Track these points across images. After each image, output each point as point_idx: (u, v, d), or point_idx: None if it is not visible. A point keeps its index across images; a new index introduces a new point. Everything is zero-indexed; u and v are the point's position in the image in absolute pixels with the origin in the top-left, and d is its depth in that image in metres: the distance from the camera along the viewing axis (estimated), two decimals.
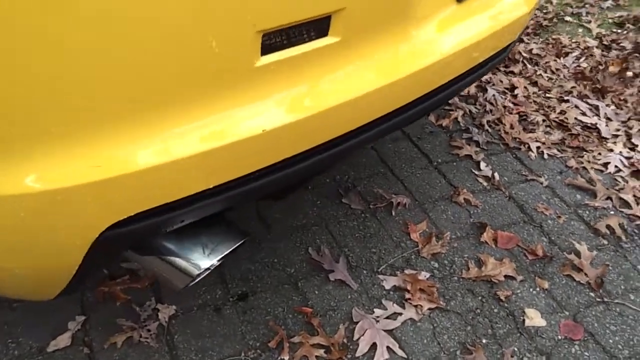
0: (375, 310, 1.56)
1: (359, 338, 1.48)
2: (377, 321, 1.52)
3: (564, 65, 2.97)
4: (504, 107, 2.54)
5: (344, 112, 0.98)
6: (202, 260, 0.98)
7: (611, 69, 2.90)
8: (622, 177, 2.20)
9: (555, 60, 2.98)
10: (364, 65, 1.00)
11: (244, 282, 1.60)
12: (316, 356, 1.42)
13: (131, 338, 1.42)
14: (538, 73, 2.86)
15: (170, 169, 0.81)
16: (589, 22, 3.51)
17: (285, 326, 1.50)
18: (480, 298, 1.63)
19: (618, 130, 2.47)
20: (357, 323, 1.51)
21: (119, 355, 1.39)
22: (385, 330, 1.50)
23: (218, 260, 1.00)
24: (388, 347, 1.46)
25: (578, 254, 1.80)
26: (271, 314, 1.53)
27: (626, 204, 2.05)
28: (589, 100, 2.65)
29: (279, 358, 1.42)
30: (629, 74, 2.90)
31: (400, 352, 1.46)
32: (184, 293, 1.55)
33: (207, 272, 1.04)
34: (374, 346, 1.46)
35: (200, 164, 0.84)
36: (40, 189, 0.75)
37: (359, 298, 1.59)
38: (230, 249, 1.03)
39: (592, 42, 3.23)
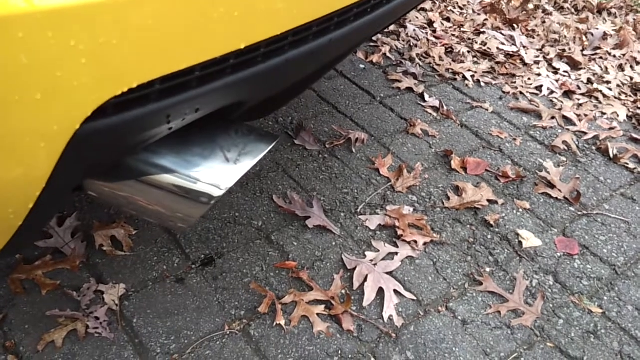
0: (366, 253, 1.33)
1: (360, 286, 1.24)
2: (375, 264, 1.29)
3: (468, 1, 2.92)
4: (428, 40, 2.41)
5: None
6: (227, 171, 0.66)
7: (514, 2, 2.91)
8: (556, 98, 2.17)
9: None
10: None
11: (205, 245, 1.29)
12: (317, 314, 1.17)
13: (75, 331, 1.06)
14: (448, 9, 2.78)
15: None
16: None
17: (270, 287, 1.22)
18: (469, 226, 1.47)
19: (537, 56, 2.47)
20: (352, 270, 1.28)
21: (63, 356, 1.02)
22: (386, 273, 1.28)
23: (247, 169, 0.69)
24: (395, 291, 1.24)
25: (547, 171, 1.72)
26: (249, 276, 1.24)
27: (570, 122, 2.02)
28: (503, 32, 2.62)
29: (275, 324, 1.14)
30: (530, 6, 2.93)
31: (408, 295, 1.25)
32: (131, 267, 1.20)
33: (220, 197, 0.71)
34: (379, 292, 1.24)
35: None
36: None
37: (345, 243, 1.35)
38: (266, 151, 0.73)
39: None
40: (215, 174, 0.67)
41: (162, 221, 0.75)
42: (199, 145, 0.68)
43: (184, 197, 0.67)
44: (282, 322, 1.14)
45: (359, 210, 1.46)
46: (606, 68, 2.44)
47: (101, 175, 0.69)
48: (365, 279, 1.25)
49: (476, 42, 2.48)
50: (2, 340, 1.04)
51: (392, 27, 2.50)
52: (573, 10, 2.99)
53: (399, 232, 1.38)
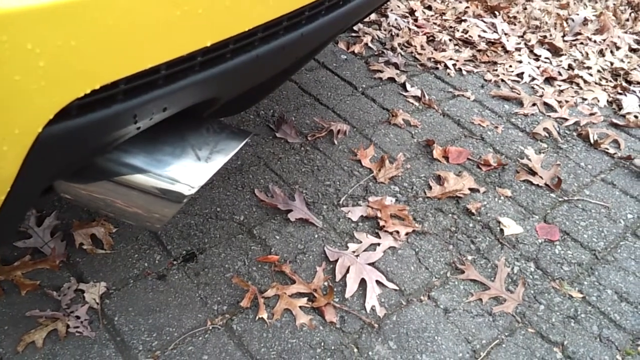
0: (349, 245, 1.33)
1: (342, 277, 1.25)
2: (357, 256, 1.30)
3: None
4: (409, 29, 2.41)
5: None
6: (198, 169, 0.66)
7: None
8: (537, 85, 2.18)
9: None
10: None
11: (187, 240, 1.28)
12: (300, 307, 1.17)
13: (55, 331, 1.05)
14: None
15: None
16: None
17: (252, 281, 1.22)
18: (451, 215, 1.48)
19: (519, 43, 2.47)
20: (335, 262, 1.28)
21: (44, 356, 1.02)
22: (368, 264, 1.28)
23: (219, 167, 0.69)
24: (377, 282, 1.25)
25: (528, 158, 1.73)
26: (231, 270, 1.24)
27: (551, 108, 2.03)
28: (484, 19, 2.62)
29: (257, 318, 1.14)
30: None
31: (390, 285, 1.26)
32: (111, 265, 1.20)
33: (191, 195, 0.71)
34: (362, 283, 1.24)
35: None
36: None
37: (327, 235, 1.36)
38: (237, 148, 0.73)
39: None
40: (187, 172, 0.66)
41: (137, 221, 0.75)
42: (170, 144, 0.68)
43: (156, 197, 0.66)
44: (265, 316, 1.15)
45: (341, 202, 1.46)
46: (587, 54, 2.45)
47: (72, 177, 0.69)
48: (348, 271, 1.26)
49: (458, 30, 2.48)
50: None
51: (373, 16, 2.49)
52: None
53: (381, 223, 1.39)
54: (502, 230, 1.46)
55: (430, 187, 1.56)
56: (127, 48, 0.53)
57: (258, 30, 0.69)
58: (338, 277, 1.25)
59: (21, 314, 1.08)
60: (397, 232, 1.38)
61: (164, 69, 0.60)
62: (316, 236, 1.35)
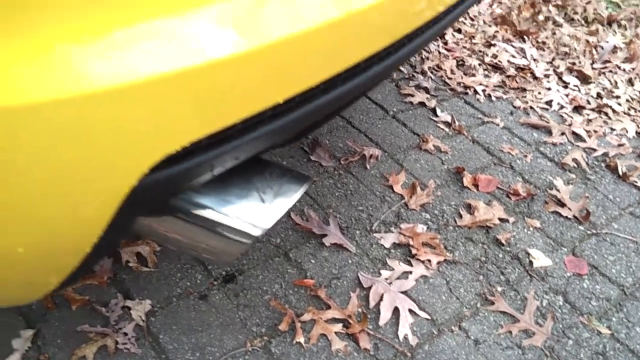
0: (382, 272, 1.37)
1: (376, 305, 1.29)
2: (390, 283, 1.33)
3: (479, 12, 2.95)
4: (439, 52, 2.45)
5: None
6: (264, 213, 0.71)
7: (525, 13, 2.93)
8: (566, 113, 2.21)
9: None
10: None
11: None
12: (335, 332, 1.21)
13: (105, 347, 1.10)
14: (459, 20, 2.81)
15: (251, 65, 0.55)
16: None
17: (289, 304, 1.26)
18: (481, 245, 1.51)
19: (547, 70, 2.50)
20: (368, 289, 1.32)
21: None
22: (401, 292, 1.32)
23: (284, 212, 0.74)
24: (410, 310, 1.28)
25: (557, 189, 1.75)
26: (269, 293, 1.28)
27: (579, 138, 2.06)
28: (513, 44, 2.65)
29: (294, 341, 1.18)
30: (541, 17, 2.95)
31: (422, 314, 1.29)
32: (156, 284, 1.25)
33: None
34: (395, 311, 1.28)
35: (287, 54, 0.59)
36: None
37: (361, 261, 1.40)
38: (300, 193, 0.77)
39: None
40: (253, 214, 0.71)
41: (201, 256, 0.79)
42: (237, 186, 0.73)
43: (223, 236, 0.71)
44: (302, 340, 1.19)
45: (373, 227, 1.50)
46: (615, 82, 2.47)
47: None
48: (381, 298, 1.30)
49: (487, 55, 2.51)
50: (37, 353, 1.08)
51: None
52: (583, 22, 3.01)
53: (413, 251, 1.43)
54: (531, 262, 1.49)
55: (460, 216, 1.59)
56: (217, 108, 0.58)
57: (322, 84, 0.73)
58: (372, 304, 1.29)
59: (72, 328, 1.13)
60: (429, 260, 1.41)
61: (240, 125, 0.64)
62: (350, 261, 1.39)
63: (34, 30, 0.44)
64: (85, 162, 0.50)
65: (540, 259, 1.50)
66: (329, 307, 1.27)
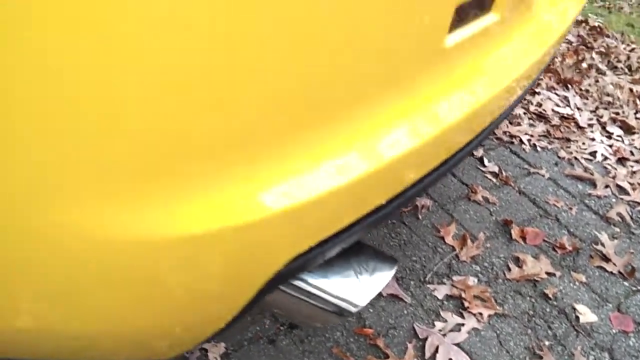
0: (435, 323, 1.46)
1: (432, 356, 1.37)
2: (444, 335, 1.42)
3: None
4: None
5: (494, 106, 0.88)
6: (360, 292, 0.82)
7: (568, 60, 3.01)
8: (610, 164, 2.27)
9: None
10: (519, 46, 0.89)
11: None
12: None
13: None
14: None
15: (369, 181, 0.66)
16: None
17: (350, 352, 1.36)
18: (529, 298, 1.59)
19: (591, 119, 2.56)
20: (424, 340, 1.41)
21: None
22: (454, 344, 1.41)
23: (378, 291, 0.85)
24: None
25: (601, 243, 1.82)
26: (331, 340, 1.38)
27: (624, 191, 2.12)
28: (557, 92, 2.73)
29: None
30: (584, 65, 3.02)
31: None
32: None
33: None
34: None
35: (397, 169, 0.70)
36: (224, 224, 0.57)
37: (416, 311, 1.49)
38: (391, 275, 0.88)
39: None
40: (351, 292, 0.82)
41: (303, 324, 0.90)
42: (338, 265, 0.84)
43: (324, 310, 0.82)
44: None
45: (427, 278, 1.59)
46: None
47: None
48: (437, 350, 1.38)
49: (532, 103, 2.59)
50: None
51: None
52: (626, 70, 3.07)
53: (465, 304, 1.51)
54: (577, 317, 1.56)
55: (509, 269, 1.67)
56: (340, 213, 0.69)
57: (416, 182, 0.85)
58: (427, 355, 1.38)
59: None
60: (480, 313, 1.50)
61: (355, 222, 0.76)
62: (405, 312, 1.48)
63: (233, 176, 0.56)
64: (239, 269, 0.62)
65: (587, 315, 1.57)
66: (387, 357, 1.36)
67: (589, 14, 3.86)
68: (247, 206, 0.57)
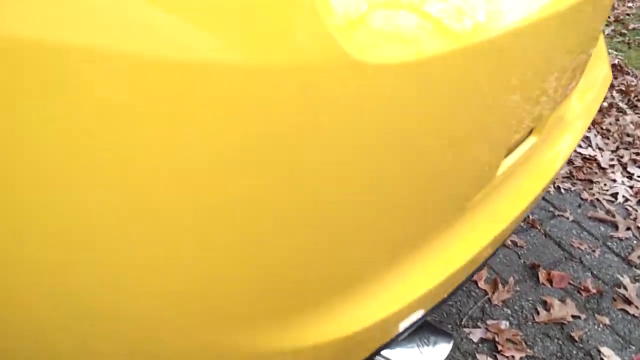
0: None
1: None
2: None
3: None
4: None
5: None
6: None
7: None
8: (631, 206, 2.40)
9: None
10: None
11: None
12: None
13: None
14: None
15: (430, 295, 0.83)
16: None
17: None
18: (557, 341, 1.73)
19: (612, 160, 2.70)
20: None
21: None
22: None
23: None
24: None
25: (624, 286, 1.95)
26: None
27: None
28: None
29: None
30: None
31: None
32: None
33: None
34: None
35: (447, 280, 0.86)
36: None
37: (453, 354, 1.64)
38: (449, 349, 1.04)
39: None
40: None
41: None
42: (405, 340, 1.00)
43: None
44: None
45: (462, 322, 1.74)
46: None
47: None
48: None
49: None
50: None
51: None
52: None
53: (499, 347, 1.66)
54: (602, 359, 1.70)
55: (537, 312, 1.82)
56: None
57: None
58: None
59: None
60: (513, 356, 1.65)
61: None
62: None
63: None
64: None
65: (611, 357, 1.71)
66: None
67: (609, 50, 3.99)
68: (352, 320, 0.74)
